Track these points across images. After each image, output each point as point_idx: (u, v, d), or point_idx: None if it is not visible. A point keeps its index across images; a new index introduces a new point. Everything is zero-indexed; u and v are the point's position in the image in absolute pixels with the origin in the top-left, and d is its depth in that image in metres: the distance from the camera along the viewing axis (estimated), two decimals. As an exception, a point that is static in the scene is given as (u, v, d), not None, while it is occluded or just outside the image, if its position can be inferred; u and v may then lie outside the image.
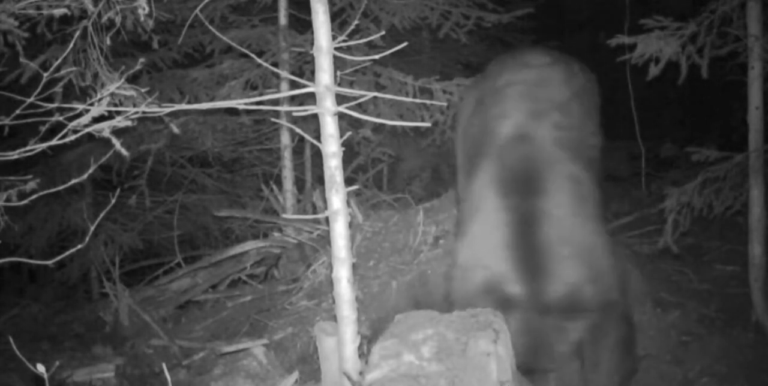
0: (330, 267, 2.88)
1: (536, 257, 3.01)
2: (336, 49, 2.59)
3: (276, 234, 5.42)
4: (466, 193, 3.53)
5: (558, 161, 3.27)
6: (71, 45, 2.95)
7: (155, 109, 2.65)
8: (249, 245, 5.39)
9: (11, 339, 2.53)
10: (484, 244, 3.15)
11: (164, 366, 3.03)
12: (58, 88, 2.89)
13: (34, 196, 2.44)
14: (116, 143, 2.50)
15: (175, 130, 3.46)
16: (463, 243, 3.33)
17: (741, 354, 3.86)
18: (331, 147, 2.60)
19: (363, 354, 2.93)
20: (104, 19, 3.24)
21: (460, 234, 3.53)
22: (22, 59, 2.87)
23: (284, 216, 5.54)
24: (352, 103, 2.77)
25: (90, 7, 2.89)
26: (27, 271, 7.10)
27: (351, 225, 2.78)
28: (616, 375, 3.32)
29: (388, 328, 3.02)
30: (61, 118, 2.46)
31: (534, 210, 3.09)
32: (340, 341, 2.75)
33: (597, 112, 3.85)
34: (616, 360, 3.30)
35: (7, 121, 2.48)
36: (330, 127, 2.60)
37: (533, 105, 3.49)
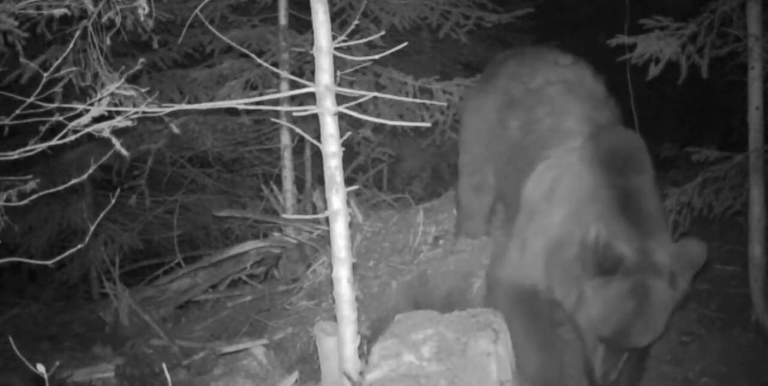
0: (330, 267, 2.88)
1: (642, 221, 2.96)
2: (336, 49, 2.59)
3: (276, 234, 5.42)
4: (516, 188, 3.51)
5: (643, 144, 3.27)
6: (71, 45, 2.95)
7: (155, 109, 2.65)
8: (249, 245, 5.39)
9: (11, 339, 2.53)
10: (580, 219, 3.07)
11: (164, 366, 3.02)
12: (58, 88, 2.89)
13: (34, 196, 2.44)
14: (116, 143, 2.50)
15: (175, 130, 3.46)
16: (534, 228, 3.27)
17: (741, 354, 3.86)
18: (331, 147, 2.60)
19: (363, 354, 2.93)
20: (104, 19, 3.23)
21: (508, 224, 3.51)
22: (22, 59, 2.87)
23: (284, 216, 5.54)
24: (352, 103, 2.77)
25: (90, 7, 2.89)
26: (27, 271, 7.10)
27: (351, 225, 2.78)
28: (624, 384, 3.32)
29: (388, 328, 3.03)
30: (61, 118, 2.46)
31: (634, 186, 3.06)
32: (340, 341, 2.75)
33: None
34: (629, 372, 3.30)
35: (7, 121, 2.48)
36: (330, 127, 2.60)
37: (586, 101, 3.51)
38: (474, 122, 4.16)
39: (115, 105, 2.78)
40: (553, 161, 3.37)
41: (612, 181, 3.08)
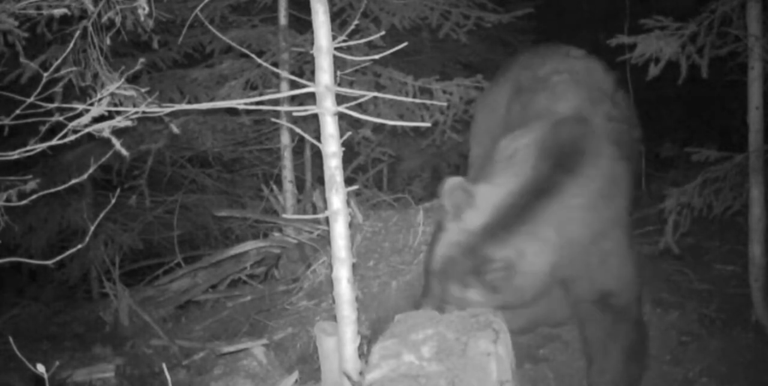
0: (330, 267, 2.88)
1: (514, 216, 3.08)
2: (336, 49, 2.59)
3: (276, 234, 5.42)
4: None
5: (602, 155, 3.27)
6: (71, 45, 2.95)
7: (155, 109, 2.65)
8: (249, 245, 5.38)
9: (11, 339, 2.53)
10: (500, 189, 3.20)
11: (164, 366, 3.03)
12: (58, 88, 2.89)
13: (34, 196, 2.44)
14: (116, 143, 2.50)
15: (175, 130, 3.45)
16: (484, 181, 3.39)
17: (741, 354, 3.86)
18: (331, 147, 2.60)
19: (363, 354, 2.93)
20: (104, 19, 3.24)
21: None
22: (22, 59, 2.87)
23: (284, 216, 5.53)
24: (352, 103, 2.77)
25: (90, 7, 2.89)
26: (27, 271, 7.09)
27: (351, 225, 2.78)
28: (622, 382, 3.32)
29: (388, 328, 3.03)
30: (61, 118, 2.46)
31: (553, 180, 3.13)
32: (340, 341, 2.75)
33: (633, 105, 3.90)
34: (623, 368, 3.30)
35: (7, 121, 2.48)
36: (330, 127, 2.60)
37: (586, 92, 3.53)
38: (485, 115, 4.21)
39: (115, 105, 2.78)
40: (528, 131, 3.42)
41: (540, 166, 3.17)
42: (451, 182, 3.18)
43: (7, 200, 2.44)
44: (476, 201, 3.14)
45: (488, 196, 3.15)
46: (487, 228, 3.08)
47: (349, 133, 2.79)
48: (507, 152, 3.40)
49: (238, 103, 2.75)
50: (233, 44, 3.46)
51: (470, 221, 3.12)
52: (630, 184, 3.41)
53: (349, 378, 2.72)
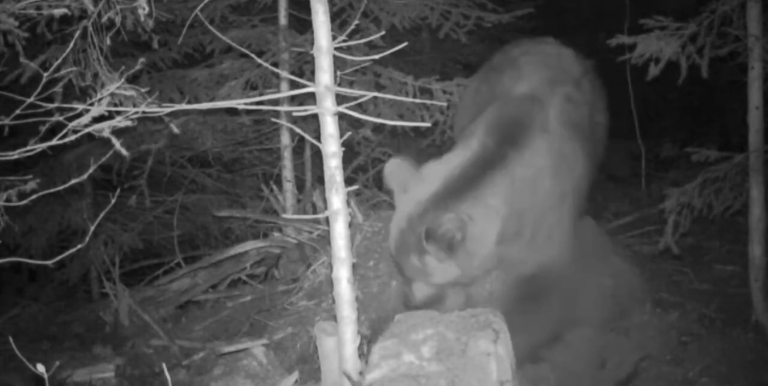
0: (330, 267, 2.89)
1: (466, 185, 3.23)
2: (336, 49, 2.59)
3: (276, 234, 5.42)
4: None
5: (549, 131, 3.36)
6: (71, 45, 2.95)
7: (155, 109, 2.65)
8: (249, 245, 5.38)
9: (11, 339, 2.53)
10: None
11: (164, 366, 3.03)
12: (58, 88, 2.90)
13: (34, 196, 2.44)
14: (116, 143, 2.50)
15: (175, 130, 3.45)
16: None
17: (741, 354, 3.86)
18: (331, 147, 2.60)
19: (363, 354, 2.93)
20: (104, 19, 3.24)
21: None
22: (22, 59, 2.87)
23: (284, 216, 5.53)
24: (352, 103, 2.77)
25: (90, 7, 2.89)
26: (27, 271, 7.10)
27: (351, 225, 2.78)
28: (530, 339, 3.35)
29: (388, 328, 3.03)
30: (61, 118, 2.46)
31: (499, 153, 3.27)
32: (340, 341, 2.76)
33: (604, 92, 3.95)
34: (532, 325, 3.34)
35: (7, 121, 2.48)
36: (330, 127, 2.60)
37: (549, 73, 3.62)
38: (462, 105, 4.28)
39: (115, 105, 2.78)
40: (486, 111, 3.55)
41: (486, 140, 3.32)
42: (392, 162, 3.41)
43: (7, 200, 2.44)
44: (424, 176, 3.31)
45: (436, 170, 3.32)
46: (436, 196, 3.23)
47: (349, 133, 2.79)
48: (466, 133, 3.57)
49: (238, 103, 2.75)
50: (233, 44, 3.46)
51: (419, 192, 3.29)
52: (583, 166, 3.50)
53: (349, 378, 2.72)
